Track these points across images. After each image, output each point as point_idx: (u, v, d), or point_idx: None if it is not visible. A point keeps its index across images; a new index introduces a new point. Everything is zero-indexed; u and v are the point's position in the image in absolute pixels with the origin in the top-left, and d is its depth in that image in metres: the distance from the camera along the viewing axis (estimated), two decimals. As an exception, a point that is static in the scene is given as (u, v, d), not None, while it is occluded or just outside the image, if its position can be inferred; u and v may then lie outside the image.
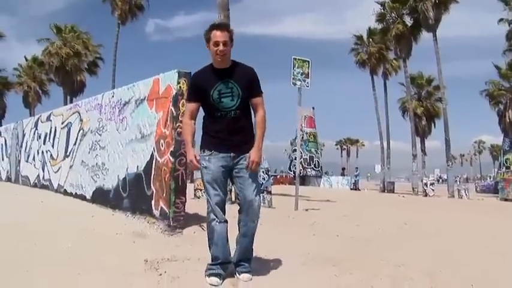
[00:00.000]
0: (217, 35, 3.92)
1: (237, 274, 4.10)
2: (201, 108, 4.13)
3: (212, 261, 4.03)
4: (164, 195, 6.74)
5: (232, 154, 4.04)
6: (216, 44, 3.91)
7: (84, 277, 3.94)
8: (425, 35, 33.19)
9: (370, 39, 41.39)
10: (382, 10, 35.70)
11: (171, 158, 6.63)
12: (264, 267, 4.45)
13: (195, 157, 4.04)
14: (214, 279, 3.86)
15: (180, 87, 6.71)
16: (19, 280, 3.78)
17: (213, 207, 4.00)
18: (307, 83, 11.12)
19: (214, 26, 4.03)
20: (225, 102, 3.99)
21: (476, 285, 4.26)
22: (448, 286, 4.18)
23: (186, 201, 6.75)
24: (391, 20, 35.24)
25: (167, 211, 6.62)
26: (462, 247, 6.43)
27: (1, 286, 3.55)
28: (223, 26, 4.08)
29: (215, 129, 4.05)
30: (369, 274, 4.46)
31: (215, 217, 4.00)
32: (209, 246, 4.07)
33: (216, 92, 3.97)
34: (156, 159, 7.08)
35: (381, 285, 4.08)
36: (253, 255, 4.30)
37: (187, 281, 3.92)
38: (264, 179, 11.54)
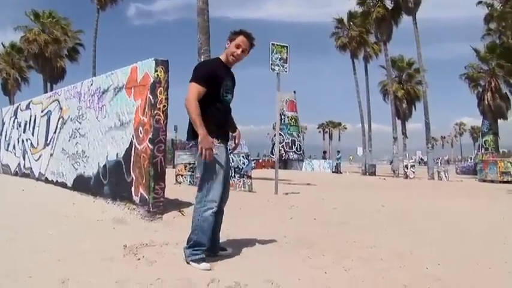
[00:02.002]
0: (242, 41, 4.30)
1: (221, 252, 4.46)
2: None
3: (196, 247, 4.09)
4: (144, 181, 6.83)
5: (228, 146, 4.35)
6: (238, 46, 4.27)
7: (64, 263, 4.05)
8: (405, 18, 33.48)
9: (351, 23, 41.54)
10: (363, -7, 35.83)
11: (149, 145, 6.73)
12: (240, 250, 4.60)
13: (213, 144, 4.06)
14: (206, 264, 4.00)
15: (157, 75, 6.78)
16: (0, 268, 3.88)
17: (217, 197, 4.13)
18: (286, 68, 11.22)
19: (244, 33, 4.34)
20: (228, 97, 4.31)
21: (444, 263, 4.46)
22: (416, 265, 4.36)
23: (165, 187, 6.85)
24: (371, 3, 35.41)
25: (147, 197, 6.72)
26: (435, 228, 6.66)
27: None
28: (251, 38, 4.35)
29: (221, 118, 4.21)
30: (341, 255, 4.64)
31: (213, 207, 4.11)
32: (195, 233, 4.12)
33: (225, 85, 4.24)
34: (135, 146, 7.16)
35: (352, 265, 4.25)
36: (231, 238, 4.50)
37: (164, 265, 4.05)
38: (244, 163, 11.68)
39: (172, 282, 3.55)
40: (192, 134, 4.15)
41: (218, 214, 4.28)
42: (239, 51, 4.25)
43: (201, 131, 3.94)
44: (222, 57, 4.37)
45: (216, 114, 4.14)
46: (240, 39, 4.26)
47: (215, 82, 4.15)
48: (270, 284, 3.60)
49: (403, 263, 4.44)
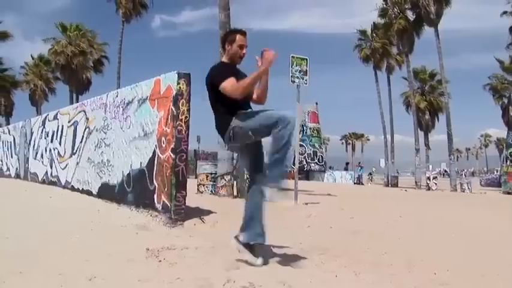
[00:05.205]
0: (243, 40, 4.44)
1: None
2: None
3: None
4: (166, 189, 7.11)
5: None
6: (242, 47, 4.43)
7: (91, 263, 4.32)
8: (427, 29, 33.45)
9: (374, 34, 41.65)
10: (384, 5, 35.93)
11: (172, 154, 7.01)
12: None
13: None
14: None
15: (179, 87, 7.08)
16: (32, 266, 4.15)
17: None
18: (306, 80, 11.44)
19: (239, 31, 4.51)
20: None
21: (453, 270, 4.61)
22: (425, 271, 4.53)
23: (186, 195, 7.13)
24: (393, 15, 35.45)
25: (169, 205, 7.00)
26: (450, 237, 6.78)
27: (16, 271, 3.92)
28: (245, 33, 4.51)
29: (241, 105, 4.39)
30: (353, 261, 4.82)
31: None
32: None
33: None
34: (158, 155, 7.46)
35: (362, 269, 4.44)
36: None
37: (184, 266, 4.29)
38: (264, 173, 11.84)
39: (191, 282, 3.78)
40: (220, 129, 4.43)
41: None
42: (244, 50, 4.43)
43: (261, 69, 4.21)
44: (225, 60, 4.55)
45: (236, 105, 4.33)
46: (240, 39, 4.41)
47: (233, 74, 4.31)
48: (282, 285, 3.80)
49: (413, 268, 4.61)
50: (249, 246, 4.43)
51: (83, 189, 10.67)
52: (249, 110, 4.44)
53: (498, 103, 38.27)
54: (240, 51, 4.43)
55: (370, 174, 42.10)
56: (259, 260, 4.41)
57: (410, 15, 34.68)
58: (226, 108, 4.31)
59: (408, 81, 37.94)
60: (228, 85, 4.21)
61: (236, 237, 4.51)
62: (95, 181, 9.97)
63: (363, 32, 42.68)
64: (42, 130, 14.64)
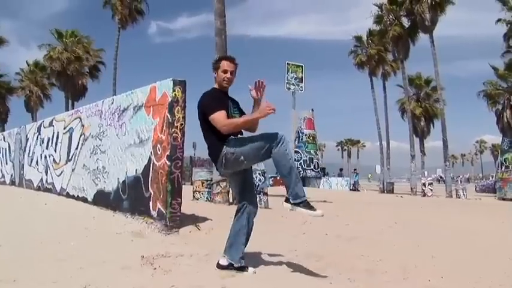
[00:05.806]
0: (226, 65, 4.51)
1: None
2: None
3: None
4: (161, 196, 7.11)
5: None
6: (225, 71, 4.49)
7: (85, 270, 4.32)
8: (423, 36, 33.58)
9: (370, 41, 41.73)
10: (379, 12, 36.02)
11: (167, 161, 7.01)
12: (251, 263, 4.80)
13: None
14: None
15: (175, 94, 7.09)
16: (26, 274, 4.14)
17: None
18: (301, 87, 11.51)
19: (223, 57, 4.66)
20: (236, 115, 4.52)
21: (447, 276, 4.63)
22: (419, 277, 4.55)
23: (181, 202, 7.12)
24: (388, 22, 35.52)
25: (164, 212, 7.00)
26: (444, 243, 6.81)
27: (10, 279, 3.92)
28: (232, 59, 4.61)
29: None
30: (347, 268, 4.85)
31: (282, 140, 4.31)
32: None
33: (230, 107, 4.47)
34: (153, 162, 7.45)
35: (357, 277, 4.46)
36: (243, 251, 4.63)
37: (178, 274, 4.29)
38: (260, 180, 11.87)
39: (186, 289, 3.79)
40: (212, 155, 4.45)
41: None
42: (228, 74, 4.48)
43: (255, 116, 4.31)
44: (216, 86, 4.59)
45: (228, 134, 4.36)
46: (224, 64, 4.49)
47: (225, 106, 4.39)
48: (277, 292, 3.82)
49: (407, 275, 4.63)
50: (232, 266, 4.43)
51: (78, 196, 10.64)
52: (240, 136, 4.48)
53: (492, 109, 38.39)
54: (224, 75, 4.49)
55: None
56: (251, 270, 4.44)
57: (406, 22, 34.79)
58: (218, 134, 4.34)
59: (403, 87, 38.02)
60: (218, 119, 4.27)
61: (219, 264, 4.49)
62: (90, 188, 9.95)
63: (358, 39, 42.72)
64: (38, 137, 14.60)
